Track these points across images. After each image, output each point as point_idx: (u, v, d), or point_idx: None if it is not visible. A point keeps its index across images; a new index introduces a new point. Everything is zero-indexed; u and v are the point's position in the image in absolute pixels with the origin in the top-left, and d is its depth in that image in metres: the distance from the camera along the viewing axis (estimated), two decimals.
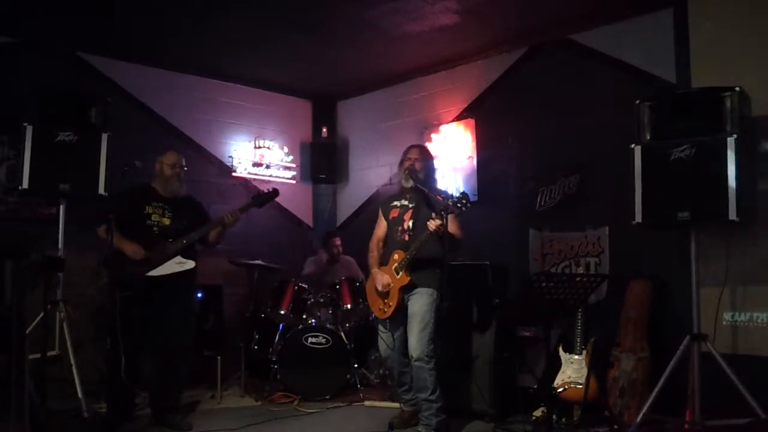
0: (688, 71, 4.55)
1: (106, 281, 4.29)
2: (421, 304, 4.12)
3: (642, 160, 3.97)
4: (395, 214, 4.37)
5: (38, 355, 3.54)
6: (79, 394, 4.04)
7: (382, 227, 4.48)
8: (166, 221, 4.34)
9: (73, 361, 4.11)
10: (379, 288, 4.23)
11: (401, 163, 4.42)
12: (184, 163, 4.50)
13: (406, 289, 4.16)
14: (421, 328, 4.08)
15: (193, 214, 4.48)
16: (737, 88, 3.75)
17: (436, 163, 4.90)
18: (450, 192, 4.68)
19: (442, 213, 3.85)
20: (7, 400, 2.60)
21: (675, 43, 4.69)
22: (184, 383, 4.60)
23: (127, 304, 4.05)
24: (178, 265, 4.24)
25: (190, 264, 4.29)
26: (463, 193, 3.86)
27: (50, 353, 4.14)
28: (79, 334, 4.37)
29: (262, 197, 4.66)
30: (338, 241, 6.48)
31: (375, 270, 4.36)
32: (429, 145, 6.01)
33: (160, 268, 4.20)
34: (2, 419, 2.58)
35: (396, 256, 4.20)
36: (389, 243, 4.37)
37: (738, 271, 4.14)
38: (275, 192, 4.73)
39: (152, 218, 4.30)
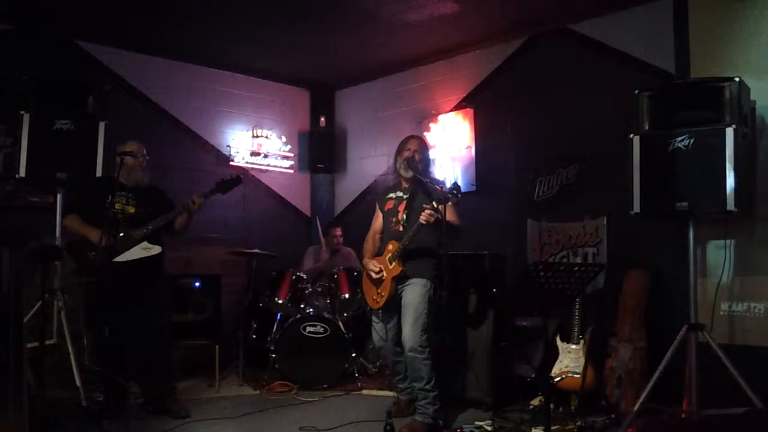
0: (688, 61, 4.54)
1: (72, 268, 4.28)
2: (414, 294, 4.13)
3: (641, 150, 3.96)
4: (390, 206, 4.38)
5: (36, 344, 3.55)
6: (77, 383, 4.04)
7: (379, 220, 4.50)
8: (131, 209, 4.37)
9: (71, 350, 4.11)
10: (372, 275, 4.24)
11: (399, 152, 4.41)
12: (145, 152, 4.51)
13: (399, 280, 4.18)
14: (414, 318, 4.09)
15: (158, 202, 4.49)
16: (736, 79, 3.73)
17: (434, 153, 4.90)
18: (446, 182, 4.70)
19: (434, 203, 3.86)
20: (6, 389, 2.59)
21: (674, 33, 4.68)
22: (170, 368, 4.62)
23: (95, 292, 4.06)
24: (144, 250, 4.27)
25: (157, 249, 4.32)
26: (454, 184, 3.87)
27: (48, 342, 4.13)
28: (77, 323, 4.36)
29: (226, 183, 4.62)
30: (338, 232, 6.48)
31: (366, 260, 4.38)
32: (427, 135, 6.01)
33: (126, 254, 4.22)
34: (1, 408, 2.58)
35: (390, 247, 4.21)
36: (384, 234, 4.39)
37: (736, 261, 4.14)
38: (239, 179, 4.70)
39: (116, 207, 4.31)
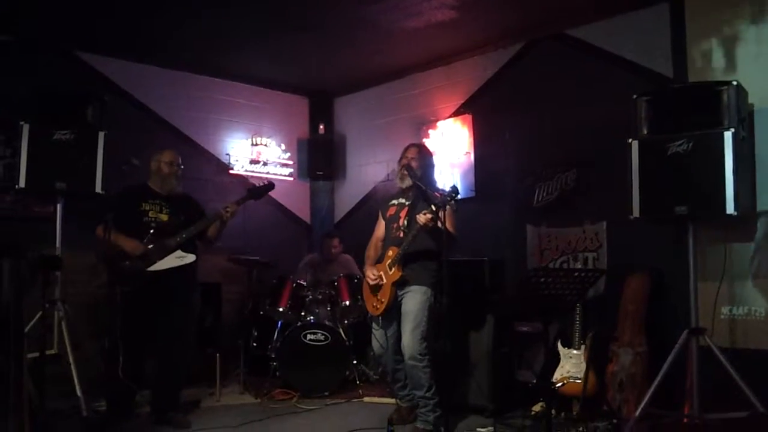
0: (685, 65, 4.56)
1: (105, 278, 4.28)
2: (414, 302, 4.14)
3: (639, 154, 3.97)
4: (392, 212, 4.40)
5: (37, 354, 3.54)
6: (78, 393, 4.04)
7: (381, 227, 4.51)
8: (164, 217, 4.36)
9: (71, 360, 4.11)
10: (370, 281, 4.24)
11: (399, 161, 4.44)
12: (180, 161, 4.52)
13: (399, 286, 4.18)
14: (413, 326, 4.09)
15: (191, 211, 4.50)
16: (734, 82, 3.75)
17: (434, 160, 4.90)
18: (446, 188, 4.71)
19: (432, 208, 3.86)
20: (6, 399, 2.59)
21: (672, 37, 4.69)
22: (184, 381, 4.61)
23: (128, 301, 4.06)
24: (178, 259, 4.26)
25: (191, 258, 4.30)
26: (452, 187, 3.87)
27: (49, 352, 4.13)
28: (78, 333, 4.36)
29: (259, 190, 4.68)
30: (335, 242, 6.46)
31: (366, 267, 4.39)
32: (426, 142, 6.02)
33: (160, 262, 4.21)
34: (1, 419, 2.58)
35: (390, 253, 4.22)
36: (386, 240, 4.41)
37: (736, 264, 4.14)
38: (271, 185, 4.75)
39: (149, 215, 4.33)
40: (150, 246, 4.21)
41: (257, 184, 4.74)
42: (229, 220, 4.49)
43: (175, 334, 4.35)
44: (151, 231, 4.26)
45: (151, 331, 4.30)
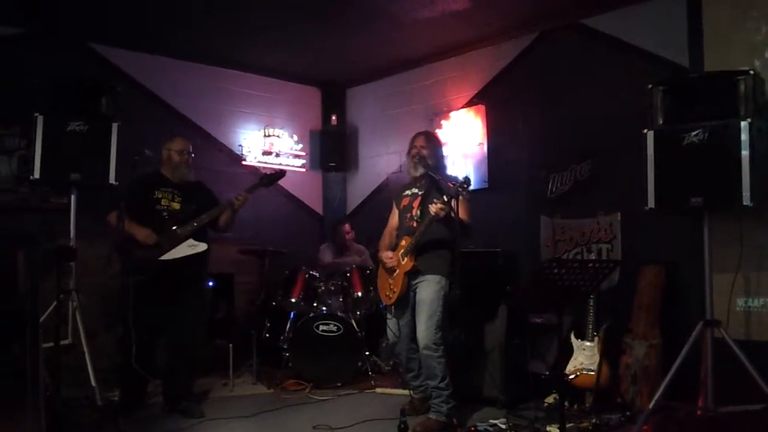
0: (702, 55, 4.50)
1: (118, 267, 4.30)
2: (428, 291, 4.13)
3: (655, 145, 3.92)
4: (406, 202, 4.40)
5: (51, 344, 3.57)
6: (93, 382, 4.07)
7: (394, 217, 4.51)
8: (176, 206, 4.38)
9: (86, 350, 4.14)
10: (387, 263, 4.24)
11: (408, 152, 4.42)
12: (191, 149, 4.54)
13: (412, 275, 4.17)
14: (428, 316, 4.09)
15: (203, 199, 4.52)
16: (751, 72, 3.69)
17: (446, 150, 4.89)
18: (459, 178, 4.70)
19: (445, 198, 3.85)
20: (23, 389, 2.61)
21: (688, 26, 4.63)
22: (196, 370, 4.64)
23: (141, 290, 4.08)
24: (190, 248, 4.27)
25: (203, 246, 4.32)
26: (465, 178, 3.85)
27: (63, 342, 4.16)
28: (92, 323, 4.39)
29: (270, 177, 4.69)
30: (347, 228, 6.48)
31: (381, 253, 4.38)
32: (439, 132, 5.99)
33: (172, 251, 4.23)
34: (17, 408, 2.60)
35: (403, 242, 4.22)
36: (400, 230, 4.41)
37: (752, 256, 4.10)
38: (282, 172, 4.76)
39: (162, 203, 4.35)
40: (162, 235, 4.23)
41: (268, 172, 4.74)
42: (240, 208, 4.50)
43: (188, 323, 4.38)
44: (163, 220, 4.28)
45: (164, 320, 4.32)
